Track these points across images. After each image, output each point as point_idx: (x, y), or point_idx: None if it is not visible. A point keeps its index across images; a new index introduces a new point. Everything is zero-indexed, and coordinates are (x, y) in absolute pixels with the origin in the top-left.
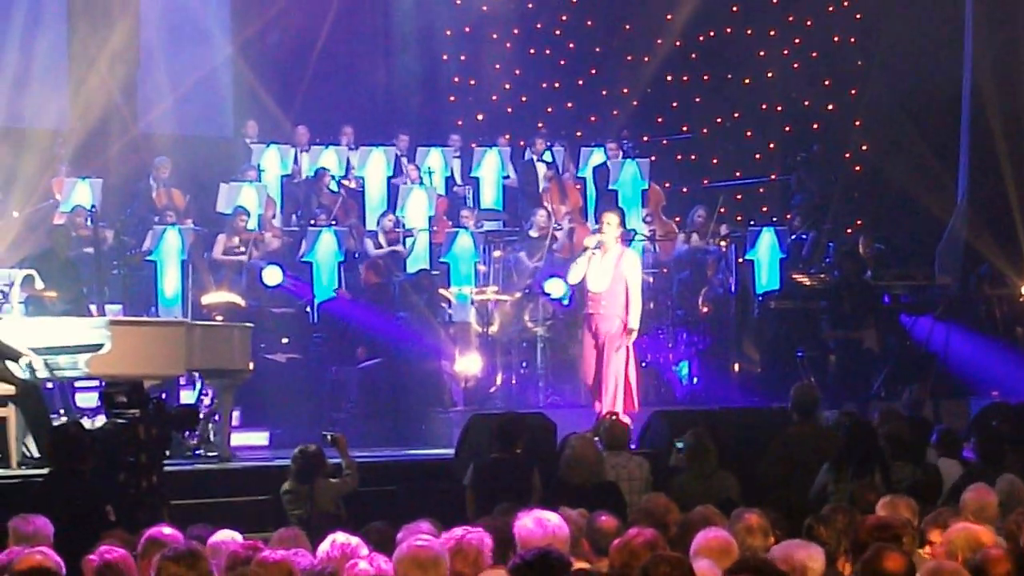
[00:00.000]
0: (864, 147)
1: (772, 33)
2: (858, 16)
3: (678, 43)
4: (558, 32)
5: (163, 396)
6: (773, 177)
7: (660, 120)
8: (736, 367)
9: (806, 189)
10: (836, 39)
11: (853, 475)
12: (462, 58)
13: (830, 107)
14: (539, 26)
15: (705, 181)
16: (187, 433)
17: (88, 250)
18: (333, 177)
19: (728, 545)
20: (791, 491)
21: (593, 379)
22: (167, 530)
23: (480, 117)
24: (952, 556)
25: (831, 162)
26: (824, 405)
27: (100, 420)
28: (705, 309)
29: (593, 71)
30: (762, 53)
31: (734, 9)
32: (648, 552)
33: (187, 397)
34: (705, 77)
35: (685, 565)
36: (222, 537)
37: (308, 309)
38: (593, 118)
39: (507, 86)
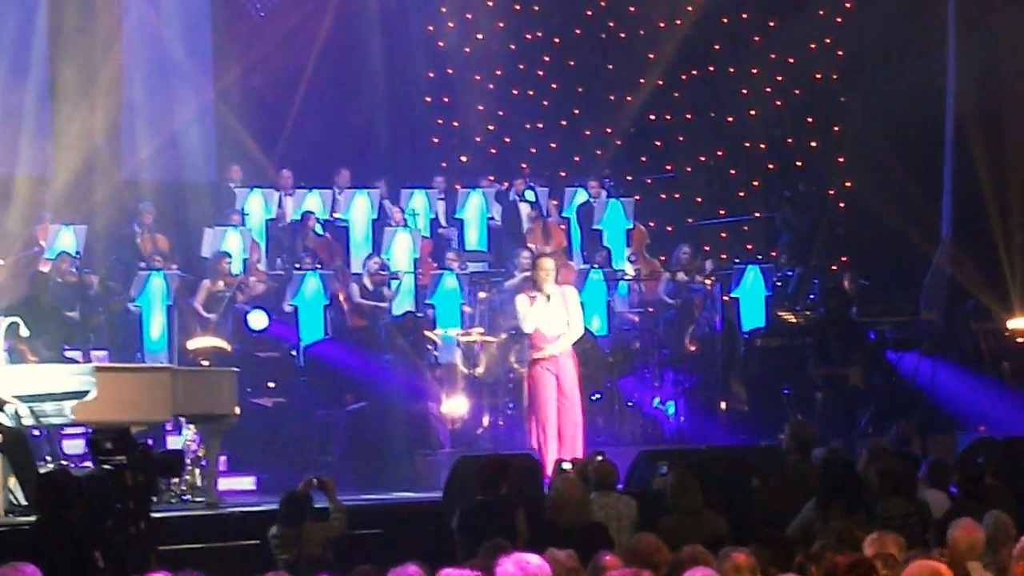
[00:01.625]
0: (848, 184)
1: (754, 71)
2: (840, 53)
3: (661, 82)
4: (541, 73)
5: (150, 442)
6: (757, 215)
7: (644, 159)
8: (723, 405)
9: (792, 227)
10: (818, 76)
11: (842, 513)
12: (445, 100)
13: (813, 144)
14: (522, 67)
15: (690, 220)
16: (174, 479)
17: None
18: (319, 220)
19: None
20: (786, 528)
21: (549, 423)
22: None
23: (464, 159)
24: None
25: (816, 199)
26: None
27: (87, 467)
28: (692, 348)
29: (576, 111)
30: (745, 91)
31: (716, 47)
32: None
33: (174, 442)
34: (688, 116)
35: None
36: None
37: (294, 353)
38: (577, 158)
39: (490, 127)
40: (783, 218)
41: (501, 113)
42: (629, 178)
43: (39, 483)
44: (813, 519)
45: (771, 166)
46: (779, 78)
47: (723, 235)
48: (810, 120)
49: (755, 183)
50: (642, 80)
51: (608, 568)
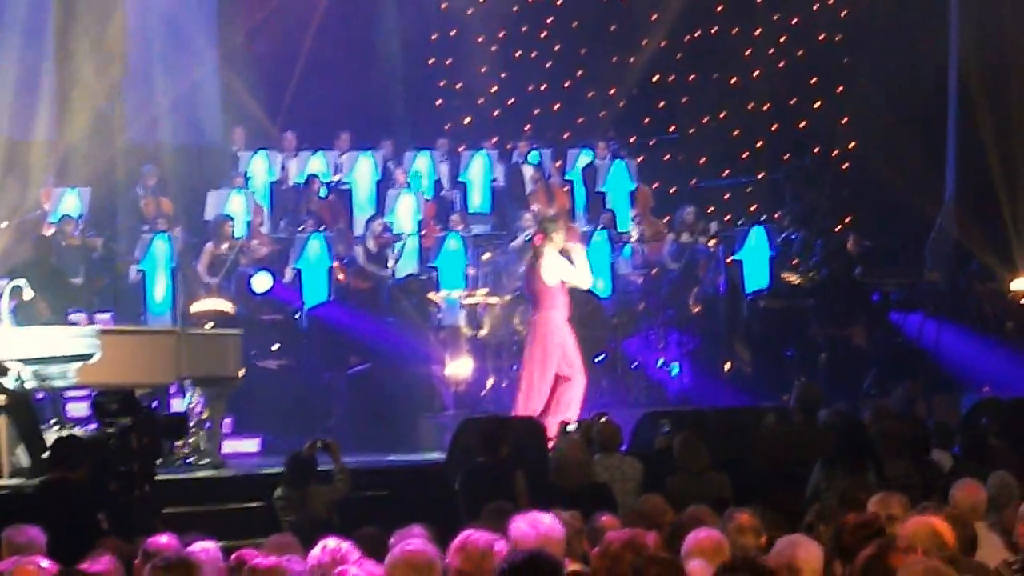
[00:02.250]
0: (852, 145)
1: (758, 32)
2: (843, 14)
3: (664, 43)
4: (544, 35)
5: (154, 404)
6: (761, 176)
7: (647, 121)
8: (727, 366)
9: (801, 198)
10: (822, 37)
11: (847, 473)
12: (448, 62)
13: (817, 105)
14: (525, 29)
15: (693, 181)
16: (178, 441)
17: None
18: (323, 183)
19: (720, 545)
20: (788, 489)
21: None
22: (163, 539)
23: (467, 121)
24: (912, 549)
25: (825, 169)
26: None
27: (91, 429)
28: (695, 309)
29: (579, 73)
30: (748, 52)
31: (719, 8)
32: (630, 553)
33: (178, 405)
34: (691, 77)
35: (675, 566)
36: (198, 548)
37: (298, 315)
38: (580, 120)
39: (494, 89)
40: (792, 190)
41: (504, 75)
42: (633, 139)
43: (45, 446)
44: (820, 479)
45: (774, 127)
46: (782, 39)
47: (726, 196)
48: (813, 81)
49: (758, 144)
50: (645, 41)
51: (606, 528)
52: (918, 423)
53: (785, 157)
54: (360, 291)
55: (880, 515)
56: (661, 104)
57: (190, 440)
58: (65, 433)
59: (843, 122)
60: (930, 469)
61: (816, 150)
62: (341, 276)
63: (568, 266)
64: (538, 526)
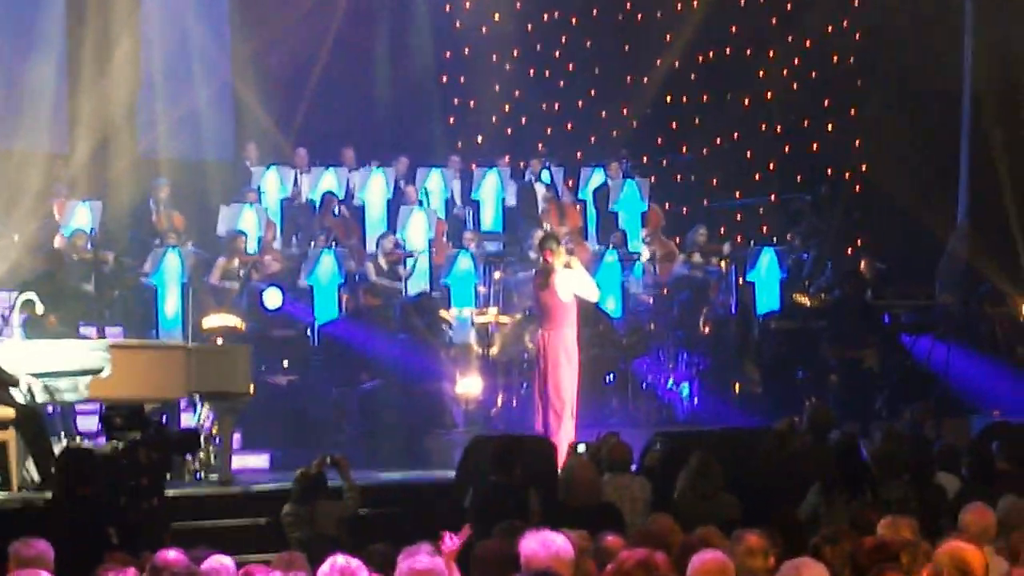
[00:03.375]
0: (864, 167)
1: (771, 54)
2: (857, 36)
3: (677, 64)
4: (558, 54)
5: (164, 419)
6: (773, 197)
7: (660, 141)
8: (737, 388)
9: (818, 232)
10: (835, 59)
11: (844, 496)
12: (462, 80)
13: (829, 127)
14: (539, 48)
15: (705, 202)
16: (188, 456)
17: (87, 283)
18: (340, 201)
19: (724, 566)
20: (794, 511)
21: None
22: (171, 554)
23: (480, 139)
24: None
25: (840, 201)
26: None
27: (101, 443)
28: (706, 330)
29: (592, 92)
30: (761, 73)
31: (733, 30)
32: (642, 573)
33: (188, 420)
34: (704, 98)
35: None
36: (215, 562)
37: (308, 332)
38: (593, 139)
39: (507, 108)
40: (809, 225)
41: (517, 93)
42: (645, 159)
43: (55, 459)
44: (818, 503)
45: (787, 149)
46: (796, 61)
47: (738, 217)
48: (826, 103)
49: (771, 166)
50: (659, 62)
51: (612, 549)
52: (922, 445)
53: (798, 179)
54: (371, 308)
55: (895, 539)
56: (674, 124)
57: (200, 455)
58: (72, 446)
59: (856, 144)
60: (932, 492)
61: (829, 172)
62: (347, 301)
63: (578, 279)
64: (549, 546)
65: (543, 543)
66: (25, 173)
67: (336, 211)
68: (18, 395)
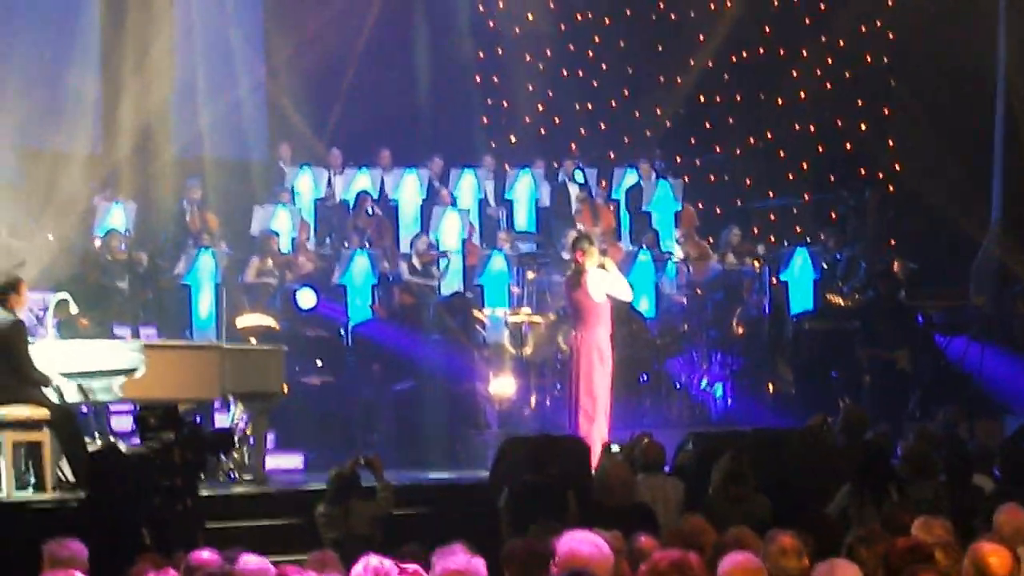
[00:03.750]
0: (897, 167)
1: (804, 54)
2: (891, 36)
3: (711, 64)
4: (591, 54)
5: (198, 419)
6: (807, 197)
7: (693, 141)
8: (770, 388)
9: (862, 236)
10: (868, 59)
11: (872, 497)
12: (495, 80)
13: (863, 127)
14: (572, 48)
15: (738, 202)
16: (222, 456)
17: (121, 281)
18: (374, 201)
19: (756, 568)
20: (826, 512)
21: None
22: (205, 554)
23: (513, 139)
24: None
25: (882, 205)
26: None
27: (135, 443)
28: (739, 330)
29: (626, 92)
30: (795, 73)
31: (767, 30)
32: (676, 574)
33: (221, 420)
34: (738, 98)
35: None
36: (250, 562)
37: (342, 332)
38: (626, 139)
39: (540, 108)
40: (853, 228)
41: (551, 94)
42: (679, 159)
43: (89, 460)
44: (847, 504)
45: (820, 149)
46: (829, 61)
47: (772, 217)
48: (859, 103)
49: (804, 166)
50: (692, 62)
51: (645, 549)
52: (958, 446)
53: (832, 180)
54: (405, 307)
55: (929, 540)
56: (707, 124)
57: (233, 455)
58: (105, 446)
59: (889, 144)
60: (969, 493)
61: (862, 172)
62: (380, 301)
63: (611, 279)
64: (588, 546)
65: (583, 543)
66: (60, 174)
67: (370, 211)
68: (52, 395)
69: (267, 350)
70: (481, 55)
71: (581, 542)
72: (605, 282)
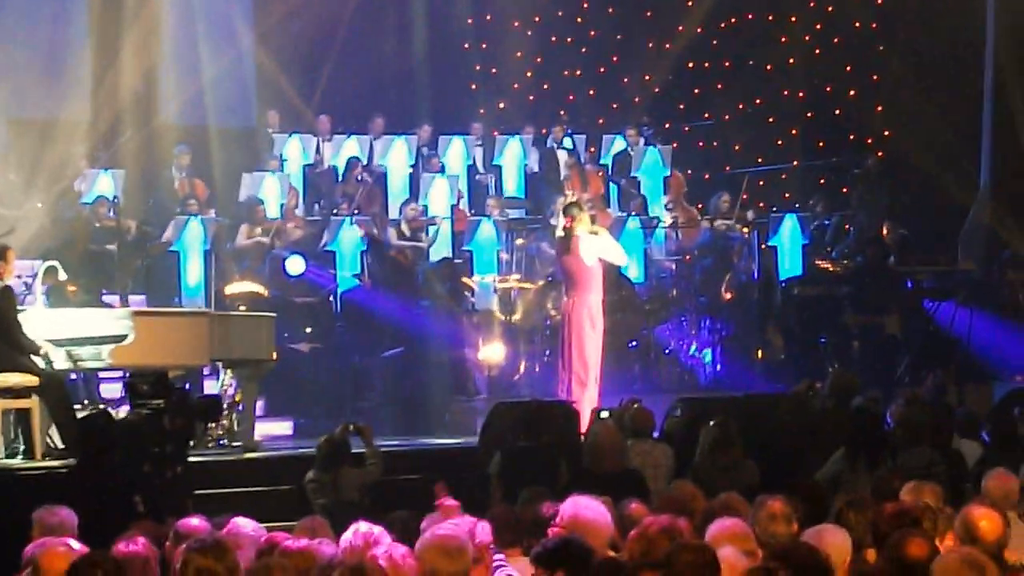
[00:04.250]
0: (886, 133)
1: (793, 19)
2: (879, 1)
3: (699, 30)
4: (579, 20)
5: (187, 386)
6: (795, 163)
7: (682, 107)
8: (759, 354)
9: (866, 205)
10: (857, 25)
11: (866, 464)
12: (483, 46)
13: (852, 93)
14: (560, 14)
15: (727, 168)
16: (211, 423)
17: (110, 246)
18: (364, 167)
19: (744, 533)
20: (814, 476)
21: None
22: (195, 521)
23: (502, 105)
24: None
25: (887, 173)
26: None
27: (124, 410)
28: (728, 296)
29: (614, 58)
30: (783, 39)
31: None
32: (666, 539)
33: (211, 387)
34: (726, 64)
35: (708, 552)
36: (238, 526)
37: (331, 298)
38: (615, 105)
39: (528, 74)
40: (857, 196)
41: (539, 60)
42: (667, 125)
43: (78, 426)
44: (840, 470)
45: (809, 115)
46: (818, 26)
47: (760, 183)
48: (848, 69)
49: (793, 132)
50: (681, 28)
51: (635, 515)
52: (942, 411)
53: (820, 145)
54: (397, 269)
55: (918, 504)
56: (696, 91)
57: (223, 422)
58: (93, 412)
59: (878, 110)
60: (951, 458)
61: (851, 138)
62: (371, 265)
63: (604, 244)
64: (587, 511)
65: (583, 507)
66: (48, 141)
67: (359, 177)
68: (40, 362)
69: (256, 317)
70: (469, 21)
71: (586, 507)
72: (596, 246)
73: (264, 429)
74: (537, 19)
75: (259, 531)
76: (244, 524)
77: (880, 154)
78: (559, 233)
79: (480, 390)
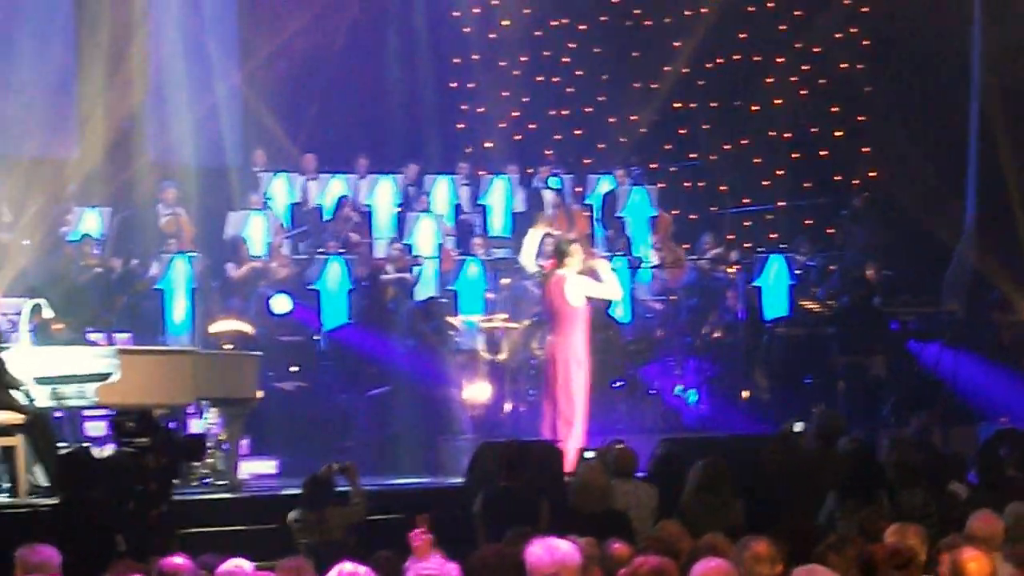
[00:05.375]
0: (872, 174)
1: (780, 60)
2: (866, 42)
3: (686, 70)
4: (566, 60)
5: (172, 424)
6: (781, 204)
7: (668, 147)
8: (745, 394)
9: (851, 245)
10: (843, 66)
11: (861, 503)
12: (470, 86)
13: (838, 134)
14: (547, 54)
15: (713, 208)
16: (195, 462)
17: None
18: (356, 209)
19: (729, 574)
20: (800, 517)
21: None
22: (179, 560)
23: (488, 145)
24: None
25: (876, 211)
26: None
27: (109, 449)
28: (714, 336)
29: (601, 98)
30: (770, 80)
31: (741, 36)
32: None
33: (196, 426)
34: (713, 104)
35: None
36: (231, 566)
37: (316, 337)
38: (601, 145)
39: (515, 114)
40: (843, 237)
41: (526, 99)
42: (654, 166)
43: (61, 464)
44: (835, 510)
45: (795, 155)
46: (804, 67)
47: (746, 224)
48: (834, 110)
49: (779, 172)
50: (667, 68)
51: (618, 556)
52: (935, 453)
53: (806, 186)
54: (388, 301)
55: (901, 546)
56: (683, 131)
57: (208, 461)
58: (74, 450)
59: (864, 151)
60: (947, 500)
61: (837, 179)
62: (358, 302)
63: (592, 283)
64: (554, 552)
65: (548, 549)
66: (34, 179)
67: (346, 217)
68: (24, 400)
69: (242, 355)
70: (456, 61)
71: (547, 549)
72: (583, 286)
73: (249, 468)
74: (524, 59)
75: (257, 574)
76: (242, 564)
77: (866, 195)
78: (533, 270)
79: (465, 429)
